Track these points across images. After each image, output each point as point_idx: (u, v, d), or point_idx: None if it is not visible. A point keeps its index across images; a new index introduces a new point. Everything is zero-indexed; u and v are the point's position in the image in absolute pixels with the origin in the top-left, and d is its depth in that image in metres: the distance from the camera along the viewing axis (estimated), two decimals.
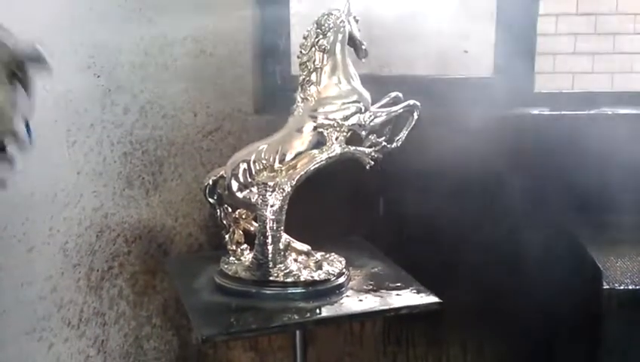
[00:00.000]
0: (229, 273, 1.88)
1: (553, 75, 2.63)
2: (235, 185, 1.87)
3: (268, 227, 1.81)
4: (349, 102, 1.89)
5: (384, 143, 1.94)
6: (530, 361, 2.61)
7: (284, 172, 1.83)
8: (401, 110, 1.97)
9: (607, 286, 1.98)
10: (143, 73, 2.35)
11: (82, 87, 2.33)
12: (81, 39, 2.30)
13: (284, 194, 1.81)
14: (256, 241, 1.85)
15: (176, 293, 2.26)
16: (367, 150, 1.91)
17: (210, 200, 1.94)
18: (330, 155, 1.84)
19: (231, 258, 1.94)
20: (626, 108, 2.52)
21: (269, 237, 1.82)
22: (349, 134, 1.86)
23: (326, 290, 1.82)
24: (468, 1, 2.61)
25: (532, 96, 2.61)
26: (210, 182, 1.94)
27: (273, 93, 2.52)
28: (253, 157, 1.86)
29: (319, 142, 1.85)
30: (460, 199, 2.41)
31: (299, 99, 1.90)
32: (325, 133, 1.85)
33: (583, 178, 2.40)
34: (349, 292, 1.84)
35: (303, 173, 1.83)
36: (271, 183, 1.81)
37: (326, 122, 1.85)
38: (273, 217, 1.81)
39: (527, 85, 2.61)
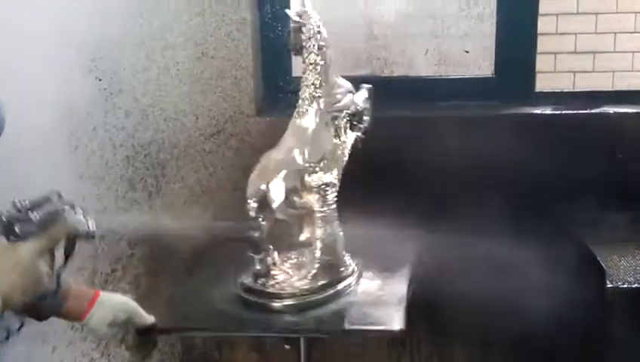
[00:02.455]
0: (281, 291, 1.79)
1: (554, 74, 2.63)
2: (292, 194, 1.77)
3: (335, 226, 1.80)
4: (347, 92, 1.93)
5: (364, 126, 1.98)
6: (534, 361, 2.61)
7: (326, 168, 1.82)
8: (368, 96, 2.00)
9: (611, 285, 1.98)
10: (145, 76, 2.35)
11: (84, 91, 2.33)
12: (83, 43, 2.30)
13: (336, 190, 1.81)
14: (319, 245, 1.80)
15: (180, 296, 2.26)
16: (359, 134, 1.97)
17: (260, 219, 1.74)
18: (349, 143, 1.89)
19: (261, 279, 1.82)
20: (627, 107, 2.52)
21: (338, 237, 1.81)
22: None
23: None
24: (469, 1, 2.61)
25: (533, 95, 2.61)
26: (256, 201, 1.74)
27: (274, 95, 2.52)
28: (299, 162, 1.78)
29: (336, 134, 1.88)
30: (460, 198, 2.41)
31: (307, 96, 1.87)
32: (341, 124, 1.88)
33: (584, 177, 2.40)
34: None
35: (341, 165, 1.85)
36: (327, 181, 1.79)
37: (338, 113, 1.88)
38: (335, 215, 1.81)
39: (528, 84, 2.61)
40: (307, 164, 1.78)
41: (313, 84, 1.87)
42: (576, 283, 2.25)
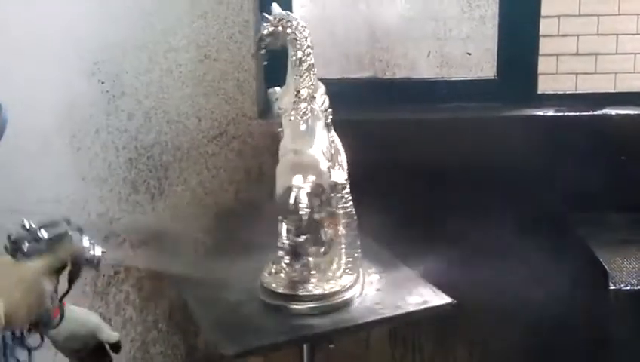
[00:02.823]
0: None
1: (556, 75, 2.63)
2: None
3: (355, 224, 1.81)
4: (325, 92, 1.93)
5: None
6: None
7: (337, 166, 1.83)
8: None
9: (614, 287, 1.98)
10: (148, 79, 2.36)
11: (87, 94, 2.34)
12: (86, 46, 2.31)
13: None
14: (344, 243, 1.80)
15: (182, 298, 2.26)
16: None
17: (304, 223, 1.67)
18: (335, 138, 1.89)
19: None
20: (629, 108, 2.52)
21: (357, 233, 1.82)
22: None
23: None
24: (470, 3, 2.61)
25: (535, 97, 2.61)
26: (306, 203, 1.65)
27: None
28: (326, 162, 1.75)
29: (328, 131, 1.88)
30: (463, 199, 2.41)
31: (306, 96, 1.86)
32: (329, 122, 1.88)
33: (587, 178, 2.40)
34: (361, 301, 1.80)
35: (345, 161, 1.86)
36: (345, 179, 1.81)
37: (326, 113, 1.88)
38: (354, 212, 1.82)
39: (530, 86, 2.61)
40: (330, 163, 1.77)
41: (312, 84, 1.87)
42: (579, 284, 2.25)
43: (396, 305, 1.75)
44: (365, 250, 1.96)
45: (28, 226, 1.27)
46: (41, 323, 1.32)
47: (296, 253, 1.73)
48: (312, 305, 1.72)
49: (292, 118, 1.82)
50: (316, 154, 1.73)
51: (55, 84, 2.31)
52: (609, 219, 2.35)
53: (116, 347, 1.65)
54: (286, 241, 1.71)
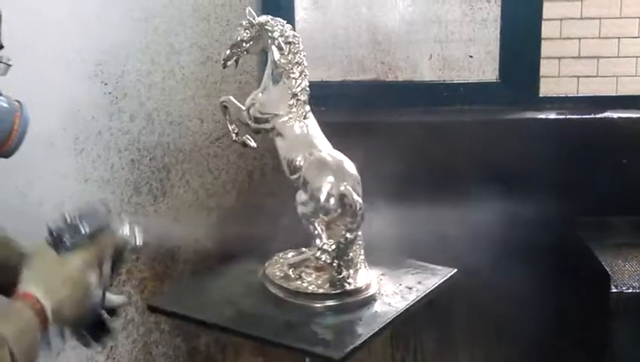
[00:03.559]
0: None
1: (558, 79, 2.63)
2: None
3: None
4: None
5: None
6: None
7: None
8: None
9: (615, 290, 1.98)
10: (150, 81, 2.36)
11: (90, 95, 2.34)
12: (88, 47, 2.31)
13: None
14: (360, 241, 1.83)
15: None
16: None
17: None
18: None
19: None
20: (630, 111, 2.52)
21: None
22: None
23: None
24: (473, 6, 2.62)
25: (537, 100, 2.62)
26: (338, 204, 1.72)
27: None
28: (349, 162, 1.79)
29: None
30: (465, 202, 2.41)
31: (306, 100, 1.86)
32: None
33: (589, 181, 2.40)
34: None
35: None
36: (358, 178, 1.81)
37: None
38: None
39: (532, 89, 2.61)
40: None
41: (307, 85, 1.87)
42: (581, 287, 2.25)
43: (416, 282, 1.86)
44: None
45: (68, 220, 1.26)
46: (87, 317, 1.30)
47: (344, 250, 1.75)
48: (358, 298, 1.77)
49: (292, 120, 1.84)
50: (335, 153, 1.78)
51: (57, 85, 2.31)
52: (611, 222, 2.36)
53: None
54: (330, 241, 1.72)
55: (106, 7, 2.30)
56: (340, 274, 1.76)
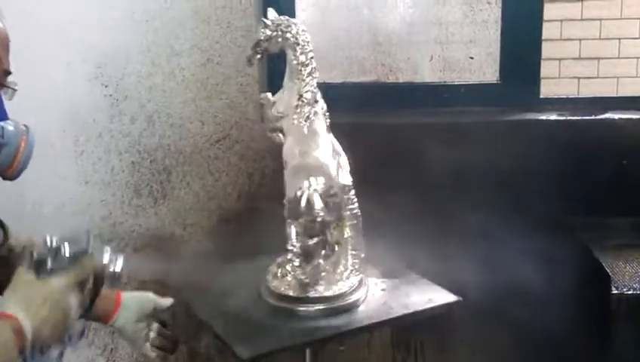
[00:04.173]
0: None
1: (558, 80, 2.63)
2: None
3: (360, 225, 1.82)
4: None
5: None
6: None
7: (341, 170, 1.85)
8: None
9: (616, 291, 1.98)
10: (151, 83, 2.36)
11: (90, 97, 2.34)
12: (89, 50, 2.32)
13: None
14: (350, 244, 1.82)
15: (184, 301, 2.26)
16: None
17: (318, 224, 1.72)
18: (335, 142, 1.90)
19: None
20: (631, 112, 2.52)
21: (361, 234, 1.84)
22: None
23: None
24: (473, 8, 2.62)
25: (538, 101, 2.61)
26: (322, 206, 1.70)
27: None
28: (335, 166, 1.81)
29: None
30: (465, 203, 2.41)
31: (310, 100, 1.86)
32: (328, 125, 1.89)
33: (589, 182, 2.40)
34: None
35: (346, 162, 1.87)
36: (352, 181, 1.82)
37: (325, 116, 1.89)
38: (359, 213, 1.84)
39: (533, 90, 2.61)
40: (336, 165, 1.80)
41: (315, 87, 1.87)
42: (582, 288, 2.25)
43: (403, 304, 1.78)
44: (369, 251, 1.97)
45: (50, 243, 1.28)
46: (65, 339, 1.32)
47: (307, 255, 1.74)
48: (320, 306, 1.74)
49: (296, 121, 1.84)
50: (324, 156, 1.77)
51: (58, 87, 2.32)
52: (611, 223, 2.35)
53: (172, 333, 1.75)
54: (297, 244, 1.72)
55: (107, 9, 2.30)
56: (304, 279, 1.75)
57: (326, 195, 1.70)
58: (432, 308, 1.78)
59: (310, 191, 1.67)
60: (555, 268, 2.38)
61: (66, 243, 1.29)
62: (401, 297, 1.82)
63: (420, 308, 1.76)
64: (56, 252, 1.27)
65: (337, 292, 1.76)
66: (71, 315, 1.26)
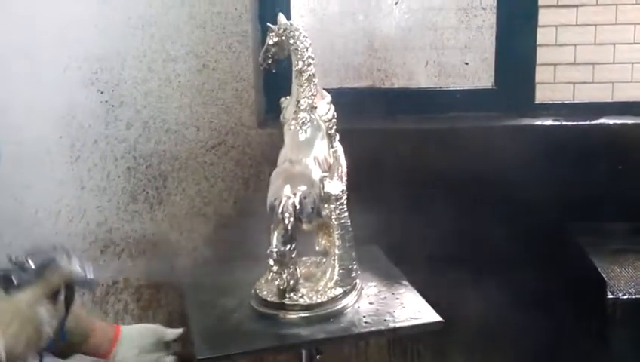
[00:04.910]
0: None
1: (554, 85, 2.64)
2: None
3: (350, 234, 1.81)
4: (330, 102, 1.93)
5: None
6: None
7: (334, 177, 1.83)
8: None
9: (612, 296, 1.98)
10: (146, 88, 2.37)
11: (86, 103, 2.35)
12: (85, 55, 2.32)
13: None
14: (337, 253, 1.81)
15: (181, 307, 2.26)
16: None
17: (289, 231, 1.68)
18: (340, 152, 1.90)
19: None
20: (626, 118, 2.53)
21: (352, 244, 1.82)
22: None
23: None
24: (468, 14, 2.62)
25: (533, 106, 2.62)
26: (290, 212, 1.67)
27: (275, 107, 2.53)
28: (320, 173, 1.78)
29: (330, 143, 1.88)
30: (461, 208, 2.41)
31: (306, 107, 1.86)
32: (331, 133, 1.89)
33: (585, 187, 2.41)
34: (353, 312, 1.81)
35: (345, 173, 1.87)
36: (342, 189, 1.81)
37: (329, 123, 1.89)
38: (349, 223, 1.81)
39: (528, 96, 2.62)
40: (325, 174, 1.78)
41: (312, 94, 1.87)
42: (577, 293, 2.25)
43: (383, 320, 1.75)
44: (367, 262, 1.98)
45: (14, 259, 1.28)
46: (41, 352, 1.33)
47: (283, 261, 1.71)
48: (301, 314, 1.73)
49: (292, 127, 1.84)
50: (310, 164, 1.76)
51: (54, 93, 2.32)
52: (607, 228, 2.36)
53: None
54: (274, 250, 1.70)
55: (103, 15, 2.31)
56: (281, 285, 1.74)
57: (306, 203, 1.68)
58: (411, 326, 1.75)
59: (286, 198, 1.66)
60: (551, 273, 2.38)
61: (30, 257, 1.29)
62: (385, 313, 1.78)
63: (398, 324, 1.73)
64: (20, 267, 1.27)
65: (315, 302, 1.75)
66: (43, 328, 1.25)
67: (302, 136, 1.82)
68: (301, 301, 1.75)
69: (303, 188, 1.70)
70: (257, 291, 1.81)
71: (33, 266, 1.28)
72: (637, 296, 1.98)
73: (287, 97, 1.93)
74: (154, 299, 2.48)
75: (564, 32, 2.60)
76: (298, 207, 1.66)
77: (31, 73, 2.31)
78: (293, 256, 1.70)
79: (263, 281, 1.84)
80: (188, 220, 2.45)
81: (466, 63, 2.65)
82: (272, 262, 1.73)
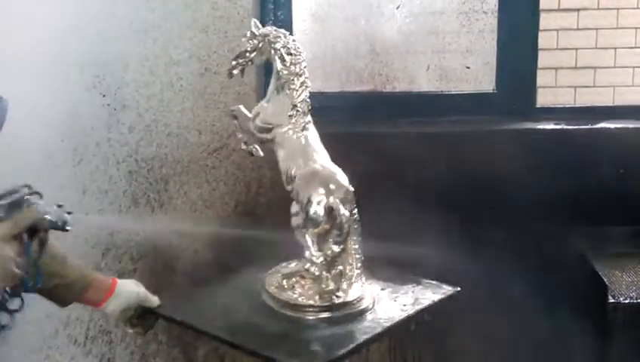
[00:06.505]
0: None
1: (555, 89, 2.64)
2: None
3: (359, 235, 1.83)
4: None
5: None
6: None
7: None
8: None
9: (613, 300, 1.98)
10: (149, 92, 2.37)
11: (88, 106, 2.35)
12: (88, 59, 2.32)
13: None
14: (355, 253, 1.82)
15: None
16: None
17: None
18: None
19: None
20: (627, 122, 2.53)
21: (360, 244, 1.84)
22: None
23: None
24: (470, 18, 2.63)
25: (534, 110, 2.62)
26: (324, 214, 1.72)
27: None
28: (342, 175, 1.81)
29: None
30: (462, 212, 2.41)
31: (306, 110, 1.87)
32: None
33: (586, 191, 2.41)
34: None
35: None
36: (353, 190, 1.81)
37: None
38: (359, 223, 1.84)
39: (529, 100, 2.62)
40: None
41: (308, 97, 1.87)
42: (578, 297, 2.25)
43: (414, 300, 1.82)
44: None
45: None
46: (19, 286, 1.35)
47: (331, 263, 1.74)
48: (347, 311, 1.75)
49: (291, 132, 1.85)
50: (329, 164, 1.79)
51: (57, 97, 2.32)
52: (608, 232, 2.36)
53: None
54: (318, 253, 1.72)
55: (106, 18, 2.31)
56: (328, 287, 1.75)
57: (345, 203, 1.72)
58: (439, 301, 1.83)
59: (330, 199, 1.70)
60: (553, 277, 2.38)
61: (3, 197, 1.30)
62: (407, 294, 1.86)
63: (427, 302, 1.81)
64: None
65: (356, 297, 1.78)
66: (9, 265, 1.27)
67: (310, 140, 1.84)
68: (345, 299, 1.76)
69: (339, 187, 1.74)
70: (289, 299, 1.79)
71: (3, 204, 1.29)
72: (638, 300, 1.98)
73: (240, 106, 1.94)
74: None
75: (566, 36, 2.60)
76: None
77: (33, 77, 2.31)
78: (342, 255, 1.75)
79: (276, 288, 1.83)
80: (189, 223, 2.45)
81: (468, 67, 2.66)
82: (308, 266, 1.74)
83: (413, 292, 1.88)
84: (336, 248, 1.72)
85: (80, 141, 2.36)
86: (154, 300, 1.82)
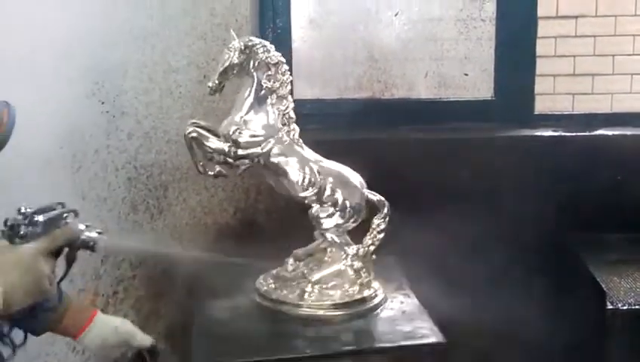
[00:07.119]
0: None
1: (553, 96, 2.65)
2: None
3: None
4: None
5: None
6: None
7: None
8: None
9: (611, 307, 1.98)
10: (147, 99, 2.37)
11: (87, 113, 2.35)
12: (87, 66, 2.32)
13: None
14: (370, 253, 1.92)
15: (181, 317, 2.26)
16: None
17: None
18: None
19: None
20: (625, 129, 2.54)
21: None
22: None
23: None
24: (468, 25, 2.64)
25: (532, 117, 2.63)
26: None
27: None
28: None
29: None
30: (460, 220, 2.41)
31: (284, 122, 1.89)
32: None
33: (584, 198, 2.41)
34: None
35: None
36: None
37: None
38: None
39: (527, 107, 2.63)
40: None
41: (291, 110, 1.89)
42: (577, 304, 2.25)
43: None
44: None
45: (24, 211, 1.29)
46: (38, 306, 1.35)
47: (369, 254, 1.89)
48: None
49: (288, 141, 1.87)
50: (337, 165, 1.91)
51: (56, 104, 2.32)
52: (606, 239, 2.36)
53: (154, 353, 1.67)
54: (358, 246, 1.87)
55: (105, 26, 2.31)
56: (362, 278, 1.87)
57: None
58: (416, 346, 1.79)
59: (365, 191, 1.90)
60: (551, 284, 2.38)
61: (39, 212, 1.30)
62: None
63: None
64: (30, 219, 1.28)
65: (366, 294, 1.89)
66: (43, 281, 1.26)
67: (305, 146, 1.90)
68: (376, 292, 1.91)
69: (363, 183, 1.92)
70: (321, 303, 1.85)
71: (41, 220, 1.29)
72: (636, 307, 1.98)
73: (198, 129, 1.88)
74: (154, 309, 2.47)
75: (564, 43, 2.61)
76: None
77: (32, 83, 2.31)
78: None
79: (299, 297, 1.88)
80: (188, 230, 2.45)
81: (466, 74, 2.66)
82: (351, 261, 1.86)
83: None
84: (381, 236, 1.88)
85: (79, 148, 2.36)
86: (145, 339, 1.66)
